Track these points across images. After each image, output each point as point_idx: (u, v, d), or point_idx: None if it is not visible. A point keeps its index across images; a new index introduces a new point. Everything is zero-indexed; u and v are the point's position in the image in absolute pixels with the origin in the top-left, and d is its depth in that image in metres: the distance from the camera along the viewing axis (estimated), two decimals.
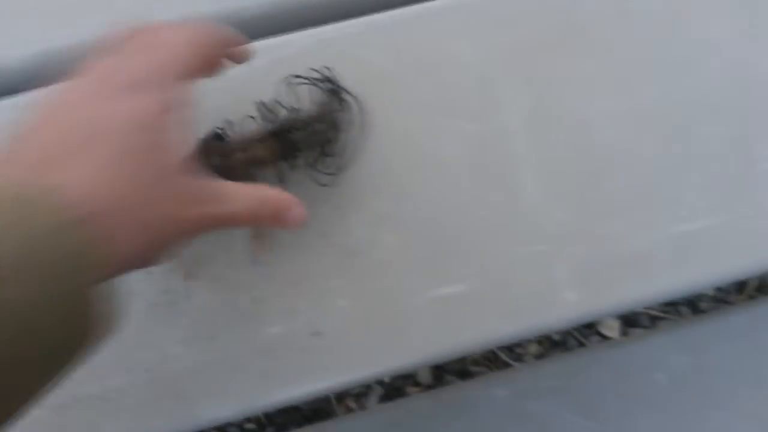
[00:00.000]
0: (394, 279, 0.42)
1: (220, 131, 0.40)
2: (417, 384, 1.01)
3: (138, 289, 0.41)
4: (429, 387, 1.01)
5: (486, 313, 0.42)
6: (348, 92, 0.42)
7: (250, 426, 0.99)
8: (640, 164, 0.44)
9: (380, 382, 1.01)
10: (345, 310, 0.42)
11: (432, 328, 0.42)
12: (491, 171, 0.43)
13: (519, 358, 1.02)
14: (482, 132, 0.44)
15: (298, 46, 0.44)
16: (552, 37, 0.45)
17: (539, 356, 1.01)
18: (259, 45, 0.44)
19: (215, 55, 0.36)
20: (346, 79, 0.42)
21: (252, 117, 0.41)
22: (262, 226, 0.41)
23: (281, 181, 0.41)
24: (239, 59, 0.39)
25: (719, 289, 1.04)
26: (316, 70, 0.41)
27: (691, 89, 0.45)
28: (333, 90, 0.41)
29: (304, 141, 0.40)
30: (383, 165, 0.43)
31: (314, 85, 0.41)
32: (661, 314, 1.04)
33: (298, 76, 0.41)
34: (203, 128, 0.40)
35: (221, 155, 0.39)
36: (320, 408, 1.00)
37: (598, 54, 0.45)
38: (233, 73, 0.40)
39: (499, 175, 0.43)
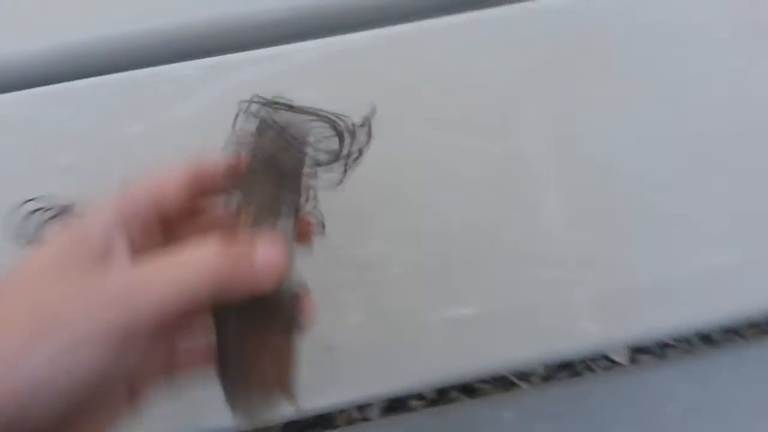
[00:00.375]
0: (408, 297, 0.41)
1: None
2: (421, 398, 1.00)
3: None
4: (433, 401, 0.99)
5: (500, 338, 0.41)
6: (296, 139, 0.35)
7: None
8: (664, 192, 0.43)
9: None
10: (358, 326, 0.41)
11: (444, 349, 0.41)
12: (511, 192, 0.42)
13: (525, 378, 1.01)
14: (502, 152, 0.43)
15: (317, 54, 0.44)
16: (576, 58, 0.44)
17: (546, 377, 1.00)
18: (276, 51, 0.44)
19: None
20: (362, 91, 0.41)
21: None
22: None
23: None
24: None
25: None
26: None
27: (718, 119, 0.44)
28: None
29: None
30: (401, 180, 0.42)
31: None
32: (671, 342, 1.03)
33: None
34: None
35: None
36: (321, 416, 0.99)
37: (623, 79, 0.44)
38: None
39: (519, 196, 0.42)
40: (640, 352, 1.02)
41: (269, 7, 0.46)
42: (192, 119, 0.42)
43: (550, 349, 0.41)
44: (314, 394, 0.40)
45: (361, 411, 1.00)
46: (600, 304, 0.41)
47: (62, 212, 0.41)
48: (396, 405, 1.01)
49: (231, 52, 0.44)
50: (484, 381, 1.01)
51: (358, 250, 0.42)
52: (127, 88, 0.43)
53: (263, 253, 0.29)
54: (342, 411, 0.99)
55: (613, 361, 1.01)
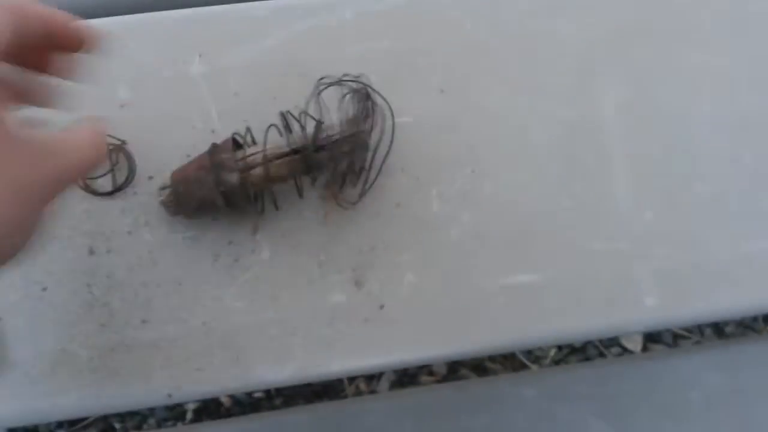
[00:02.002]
0: (466, 260, 0.40)
1: (237, 136, 0.38)
2: (431, 374, 0.99)
3: (199, 237, 0.39)
4: (444, 378, 0.99)
5: (558, 307, 0.40)
6: (377, 103, 0.38)
7: (258, 395, 0.98)
8: (736, 173, 0.42)
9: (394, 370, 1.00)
10: (413, 286, 0.40)
11: (501, 317, 0.40)
12: (579, 161, 0.41)
13: (537, 361, 1.00)
14: (573, 117, 0.42)
15: (389, 4, 0.42)
16: (661, 25, 0.42)
17: (557, 362, 1.00)
18: None
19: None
20: (431, 41, 0.40)
21: (275, 126, 0.37)
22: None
23: (300, 197, 0.38)
24: (86, 46, 0.30)
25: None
26: (349, 75, 0.38)
27: None
28: (364, 98, 0.37)
29: (328, 161, 0.36)
30: (467, 140, 0.41)
31: (344, 94, 0.38)
32: (685, 333, 1.03)
33: (329, 77, 0.38)
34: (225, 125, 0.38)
35: (240, 171, 0.35)
36: (330, 386, 0.99)
37: (707, 52, 0.42)
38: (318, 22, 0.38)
39: (587, 164, 0.41)
40: (653, 341, 1.02)
41: None
42: (254, 62, 0.41)
43: (611, 322, 0.40)
44: (364, 353, 0.39)
45: (369, 382, 1.00)
46: (661, 280, 0.41)
47: (117, 150, 0.39)
48: (406, 381, 1.00)
49: None
50: (494, 361, 1.01)
51: (416, 209, 0.40)
52: (190, 25, 0.41)
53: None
54: (351, 381, 0.99)
55: (625, 349, 1.01)
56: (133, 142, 0.40)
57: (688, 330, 1.04)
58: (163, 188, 0.37)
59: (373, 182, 0.39)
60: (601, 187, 0.41)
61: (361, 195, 0.39)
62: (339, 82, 0.38)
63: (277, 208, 0.39)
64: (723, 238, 0.41)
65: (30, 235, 0.27)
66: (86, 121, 0.30)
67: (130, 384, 0.38)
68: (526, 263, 0.40)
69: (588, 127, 0.41)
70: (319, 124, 0.36)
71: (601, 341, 1.03)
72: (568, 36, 0.42)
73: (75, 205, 0.39)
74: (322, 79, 0.38)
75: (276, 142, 0.36)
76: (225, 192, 0.35)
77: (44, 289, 0.38)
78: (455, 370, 1.00)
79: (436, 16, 0.42)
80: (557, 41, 0.42)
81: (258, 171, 0.36)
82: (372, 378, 1.00)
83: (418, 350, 0.40)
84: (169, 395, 0.38)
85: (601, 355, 1.01)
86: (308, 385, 0.97)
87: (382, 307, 0.40)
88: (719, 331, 1.03)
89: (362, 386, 1.00)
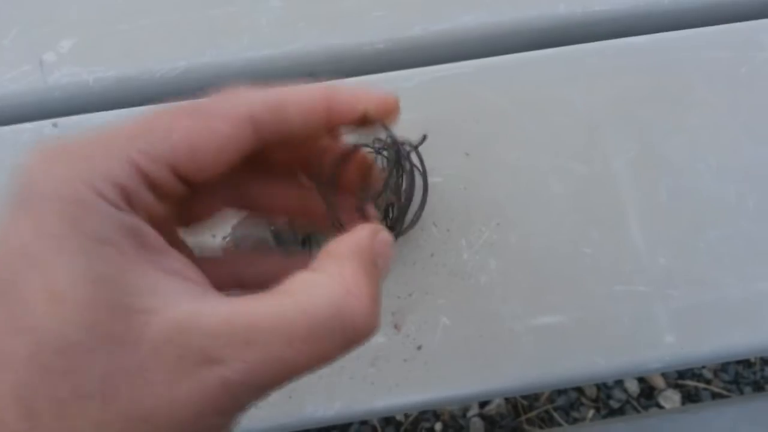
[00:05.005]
0: (496, 303, 0.44)
1: None
2: None
3: None
4: None
5: (583, 346, 0.43)
6: (410, 161, 0.42)
7: None
8: (743, 218, 0.45)
9: (430, 431, 1.01)
10: (447, 328, 0.44)
11: (530, 355, 0.43)
12: (595, 211, 0.46)
13: (575, 423, 1.00)
14: (588, 173, 0.46)
15: (416, 81, 0.48)
16: (662, 90, 0.48)
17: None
18: (379, 77, 0.48)
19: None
20: (455, 110, 0.46)
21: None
22: None
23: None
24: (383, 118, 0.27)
25: None
26: (380, 139, 0.43)
27: None
28: (397, 157, 0.40)
29: None
30: (493, 195, 0.46)
31: (378, 153, 0.43)
32: (724, 392, 1.02)
33: (363, 145, 0.42)
34: None
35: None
36: None
37: (706, 111, 0.47)
38: None
39: (604, 215, 0.45)
40: (692, 400, 1.01)
41: (377, 38, 0.51)
42: None
43: (633, 360, 0.43)
44: (405, 390, 0.43)
45: None
46: (681, 320, 0.44)
47: None
48: None
49: (341, 77, 0.49)
50: (532, 424, 1.01)
51: (448, 258, 0.45)
52: None
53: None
54: None
55: (661, 408, 1.01)
56: None
57: (728, 389, 1.03)
58: (224, 237, 0.43)
59: (409, 229, 0.43)
60: (617, 234, 0.45)
61: (398, 237, 0.43)
62: (372, 148, 0.44)
63: None
64: (734, 279, 0.44)
65: None
66: None
67: None
68: (551, 305, 0.44)
69: (601, 181, 0.46)
70: None
71: (639, 402, 1.03)
72: (579, 101, 0.47)
73: None
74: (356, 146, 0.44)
75: None
76: (275, 230, 0.41)
77: None
78: None
79: (459, 90, 0.48)
80: (569, 106, 0.47)
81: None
82: None
83: (453, 388, 0.43)
84: None
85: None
86: None
87: (419, 348, 0.43)
88: (759, 388, 1.02)
89: None
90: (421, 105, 0.48)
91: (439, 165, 0.46)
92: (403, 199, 0.43)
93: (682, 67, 0.48)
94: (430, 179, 0.45)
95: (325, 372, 0.43)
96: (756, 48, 0.48)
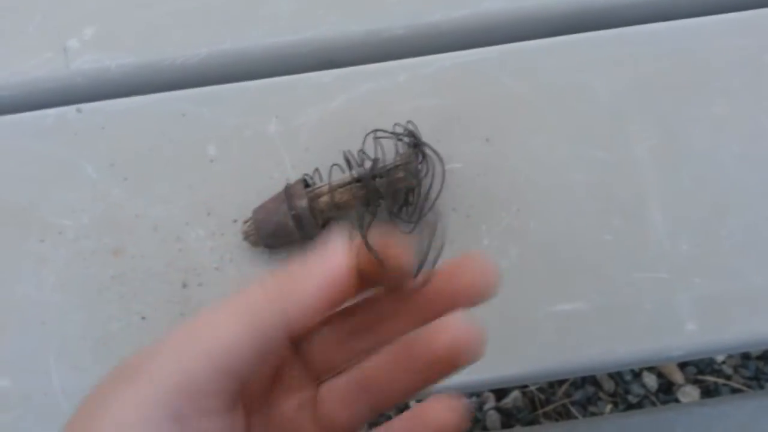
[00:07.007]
0: (516, 290, 0.44)
1: (308, 178, 0.44)
2: (485, 429, 1.00)
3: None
4: None
5: (604, 334, 0.43)
6: (428, 146, 0.44)
7: None
8: (764, 205, 0.45)
9: None
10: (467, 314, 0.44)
11: (549, 342, 0.43)
12: (617, 198, 0.45)
13: (592, 416, 1.00)
14: (610, 160, 0.46)
15: (436, 67, 0.48)
16: (684, 77, 0.47)
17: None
18: (399, 64, 0.48)
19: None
20: (476, 96, 0.46)
21: (338, 165, 0.44)
22: None
23: (360, 227, 0.44)
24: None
25: None
26: (399, 125, 0.44)
27: None
28: (415, 144, 0.44)
29: (385, 188, 0.42)
30: (512, 181, 0.46)
31: (397, 139, 0.44)
32: (744, 387, 1.01)
33: (382, 130, 0.44)
34: (297, 174, 0.44)
35: (308, 199, 0.42)
36: None
37: (728, 98, 0.47)
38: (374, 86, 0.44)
39: (625, 202, 0.45)
40: (709, 395, 1.00)
41: (397, 24, 0.51)
42: (321, 121, 0.47)
43: (654, 347, 0.43)
44: None
45: None
46: (701, 307, 0.43)
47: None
48: None
49: (361, 64, 0.49)
50: (549, 417, 1.01)
51: (468, 244, 0.45)
52: (267, 92, 0.48)
53: None
54: None
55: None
56: (220, 192, 0.46)
57: (748, 385, 1.02)
58: (245, 221, 0.43)
59: (427, 212, 0.43)
60: (639, 221, 0.45)
61: (416, 222, 0.43)
62: (391, 132, 0.44)
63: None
64: (757, 267, 0.44)
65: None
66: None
67: None
68: (572, 293, 0.44)
69: (623, 168, 0.46)
70: (375, 159, 0.42)
71: (657, 397, 1.02)
72: (600, 88, 0.47)
73: (170, 245, 0.45)
74: (376, 131, 0.44)
75: (341, 180, 0.42)
76: (296, 215, 0.41)
77: (143, 318, 0.44)
78: (509, 425, 1.00)
79: (479, 76, 0.47)
80: (590, 92, 0.47)
81: (325, 199, 0.42)
82: None
83: (472, 374, 0.43)
84: None
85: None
86: None
87: None
88: None
89: None
90: (441, 91, 0.47)
91: (459, 151, 0.46)
92: (421, 185, 0.43)
93: (704, 54, 0.48)
94: (450, 165, 0.45)
95: None
96: None
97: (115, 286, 0.44)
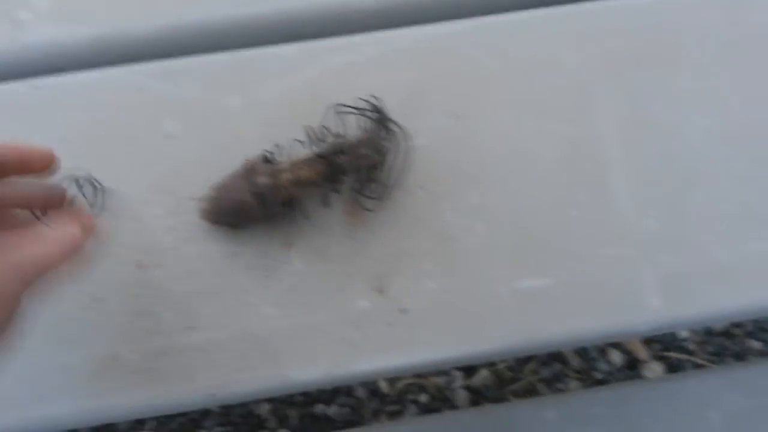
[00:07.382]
0: (482, 267, 0.44)
1: (268, 154, 0.43)
2: (454, 407, 1.00)
3: (238, 251, 0.43)
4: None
5: (569, 309, 0.43)
6: (393, 122, 0.43)
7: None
8: (729, 180, 0.45)
9: (416, 403, 1.01)
10: (433, 291, 0.43)
11: (516, 319, 0.43)
12: (582, 172, 0.45)
13: (559, 392, 1.01)
14: (576, 134, 0.45)
15: (406, 41, 0.47)
16: (654, 52, 0.47)
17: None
18: (367, 37, 0.47)
19: None
20: (444, 72, 0.45)
21: (300, 141, 0.42)
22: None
23: (325, 204, 0.43)
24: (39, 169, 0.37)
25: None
26: (364, 100, 0.43)
27: None
28: (380, 119, 0.42)
29: (349, 164, 0.41)
30: (478, 157, 0.45)
31: (361, 114, 0.42)
32: (707, 363, 1.03)
33: (345, 105, 0.43)
34: (260, 150, 0.42)
35: (270, 175, 0.40)
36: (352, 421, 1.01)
37: (697, 74, 0.46)
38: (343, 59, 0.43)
39: (590, 177, 0.45)
40: (672, 371, 1.02)
41: None
42: (285, 95, 0.46)
43: (619, 322, 0.43)
44: (388, 354, 0.43)
45: (391, 417, 1.01)
46: (666, 283, 0.43)
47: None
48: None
49: (326, 37, 0.47)
50: (518, 395, 1.02)
51: (433, 222, 0.44)
52: (229, 65, 0.47)
53: None
54: (376, 413, 1.00)
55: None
56: (178, 169, 0.44)
57: (711, 361, 1.04)
58: (203, 199, 0.42)
59: (392, 188, 0.43)
60: (605, 197, 0.45)
61: (381, 199, 0.43)
62: (355, 107, 0.43)
63: (307, 217, 0.43)
64: (722, 242, 0.44)
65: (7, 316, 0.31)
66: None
67: (176, 385, 0.41)
68: (537, 269, 0.44)
69: (590, 143, 0.45)
70: (337, 135, 0.41)
71: (622, 374, 1.04)
72: (569, 62, 0.46)
73: (125, 224, 0.43)
74: (339, 105, 0.43)
75: (304, 156, 0.41)
76: (257, 193, 0.40)
77: (96, 300, 0.42)
78: (477, 403, 1.01)
79: (447, 51, 0.47)
80: (559, 67, 0.46)
81: (287, 175, 0.40)
82: (394, 413, 1.01)
83: (437, 351, 0.43)
84: (213, 395, 0.41)
85: None
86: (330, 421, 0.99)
87: (404, 311, 0.43)
88: (742, 360, 1.03)
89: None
90: (410, 66, 0.46)
91: (426, 127, 0.45)
92: (386, 161, 0.42)
93: (673, 29, 0.47)
94: (417, 141, 0.44)
95: (308, 336, 0.42)
96: (748, 10, 0.48)
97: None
